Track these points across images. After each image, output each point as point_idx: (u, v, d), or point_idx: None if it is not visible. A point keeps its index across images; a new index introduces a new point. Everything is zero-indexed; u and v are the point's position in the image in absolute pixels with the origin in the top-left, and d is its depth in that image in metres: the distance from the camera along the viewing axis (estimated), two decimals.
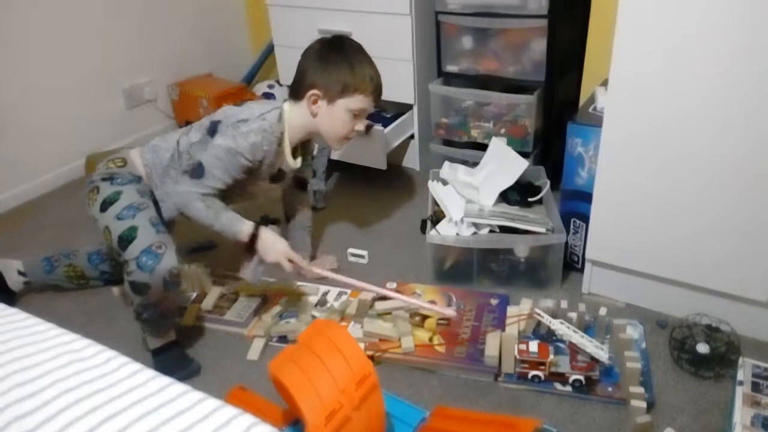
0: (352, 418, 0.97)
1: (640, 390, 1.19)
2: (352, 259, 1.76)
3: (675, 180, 1.29)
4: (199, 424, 0.64)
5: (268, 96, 2.57)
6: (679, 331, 1.35)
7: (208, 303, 1.57)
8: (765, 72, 1.11)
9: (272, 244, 1.41)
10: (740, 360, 1.29)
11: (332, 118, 1.43)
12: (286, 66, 2.34)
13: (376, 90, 1.45)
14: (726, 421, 1.17)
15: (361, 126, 1.48)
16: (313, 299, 1.58)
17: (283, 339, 1.46)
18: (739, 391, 1.22)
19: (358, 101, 1.43)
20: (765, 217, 1.22)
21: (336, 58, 1.41)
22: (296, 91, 1.45)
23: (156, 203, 1.43)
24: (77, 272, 1.64)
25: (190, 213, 1.38)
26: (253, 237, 1.40)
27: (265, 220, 1.67)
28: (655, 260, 1.40)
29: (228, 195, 1.43)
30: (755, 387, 1.23)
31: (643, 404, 1.16)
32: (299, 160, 1.53)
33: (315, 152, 1.78)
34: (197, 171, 1.37)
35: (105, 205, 1.34)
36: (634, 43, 1.22)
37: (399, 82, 2.06)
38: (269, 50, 2.65)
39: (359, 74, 1.41)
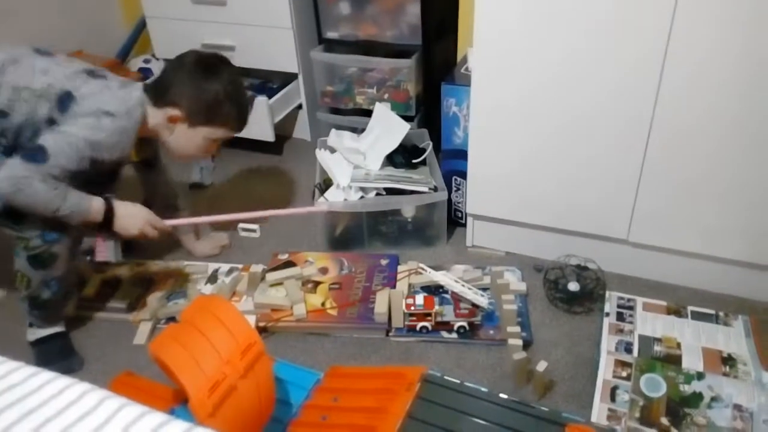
0: (238, 387, 0.97)
1: (517, 329, 1.28)
2: (243, 234, 1.73)
3: (540, 133, 1.37)
4: (86, 419, 0.61)
5: (145, 72, 2.44)
6: (552, 273, 1.45)
7: (89, 290, 1.49)
8: (624, 30, 1.20)
9: (132, 213, 1.29)
10: (607, 294, 1.42)
11: (188, 140, 1.35)
12: (161, 39, 2.23)
13: (242, 124, 1.40)
14: (595, 350, 1.28)
15: (215, 152, 1.44)
16: (203, 278, 1.55)
17: (172, 321, 1.42)
18: (606, 322, 1.34)
19: (221, 132, 1.36)
20: (622, 163, 1.33)
21: (209, 84, 1.30)
22: (157, 98, 1.31)
23: None
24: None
25: (24, 198, 1.15)
26: (107, 213, 1.26)
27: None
28: (528, 210, 1.49)
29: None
30: (619, 317, 1.35)
31: (520, 342, 1.25)
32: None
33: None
34: (38, 155, 1.16)
35: None
36: (494, 2, 1.27)
37: (281, 51, 2.02)
38: (143, 23, 2.51)
39: (229, 108, 1.34)
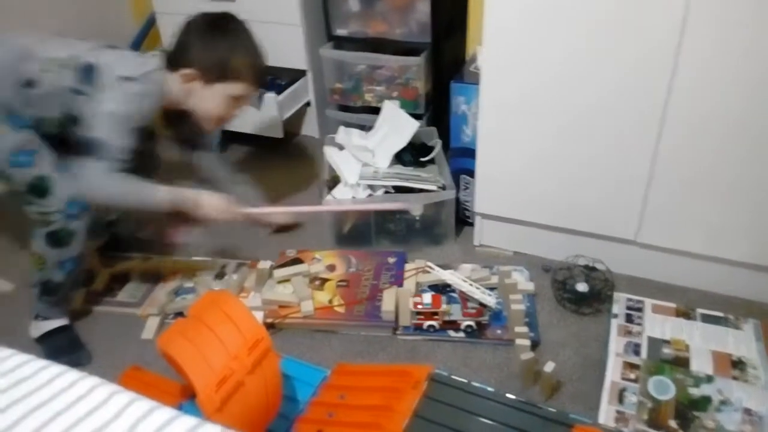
0: (245, 383, 0.98)
1: (524, 330, 1.28)
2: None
3: (549, 132, 1.36)
4: (95, 413, 0.61)
5: None
6: (561, 273, 1.45)
7: (98, 285, 1.50)
8: (634, 28, 1.18)
9: (212, 203, 1.35)
10: (615, 295, 1.41)
11: (207, 100, 1.36)
12: (171, 35, 2.22)
13: (258, 77, 1.39)
14: (603, 351, 1.27)
15: (240, 111, 1.43)
16: (211, 273, 1.55)
17: (179, 316, 1.43)
18: (614, 323, 1.33)
19: (238, 88, 1.36)
20: (630, 162, 1.32)
21: (218, 41, 1.33)
22: (172, 62, 1.35)
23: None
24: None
25: (101, 196, 1.26)
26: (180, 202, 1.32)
27: None
28: (536, 209, 1.49)
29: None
30: (628, 318, 1.35)
31: (527, 342, 1.25)
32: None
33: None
34: (94, 147, 1.24)
35: None
36: (504, 1, 1.26)
37: (290, 48, 2.01)
38: (153, 19, 2.51)
39: (242, 62, 1.34)
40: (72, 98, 1.26)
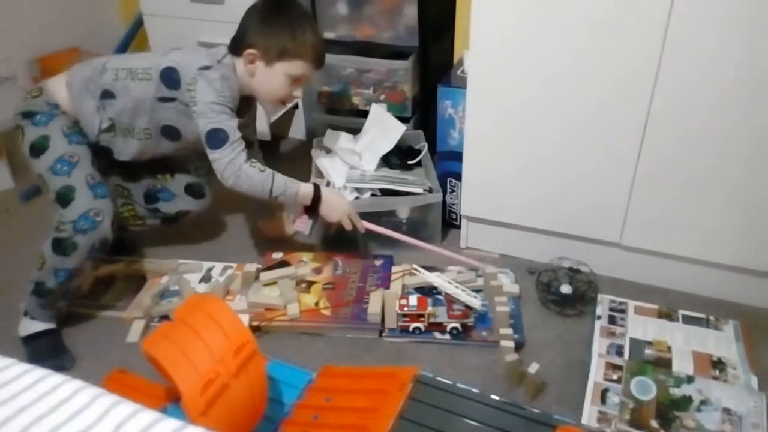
0: (231, 386, 0.98)
1: (509, 331, 1.29)
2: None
3: (535, 137, 1.38)
4: (78, 417, 0.61)
5: None
6: (545, 275, 1.46)
7: (83, 287, 1.49)
8: (619, 37, 1.21)
9: (336, 203, 1.43)
10: (599, 297, 1.43)
11: (269, 80, 1.39)
12: (158, 36, 2.21)
13: (318, 57, 1.42)
14: (587, 352, 1.29)
15: (299, 92, 1.45)
16: (197, 276, 1.55)
17: (165, 319, 1.42)
18: (598, 325, 1.35)
19: (298, 67, 1.39)
20: (615, 166, 1.34)
21: (278, 21, 1.37)
22: (235, 47, 1.40)
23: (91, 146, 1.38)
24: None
25: (244, 183, 1.33)
26: (315, 197, 1.40)
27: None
28: (522, 212, 1.50)
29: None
30: (611, 320, 1.36)
31: (512, 344, 1.26)
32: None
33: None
34: (218, 137, 1.31)
35: (34, 152, 1.32)
36: (491, 6, 1.28)
37: None
38: (140, 20, 2.50)
39: (300, 40, 1.37)
40: (160, 107, 1.37)
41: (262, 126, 1.98)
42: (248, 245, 1.69)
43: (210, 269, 1.58)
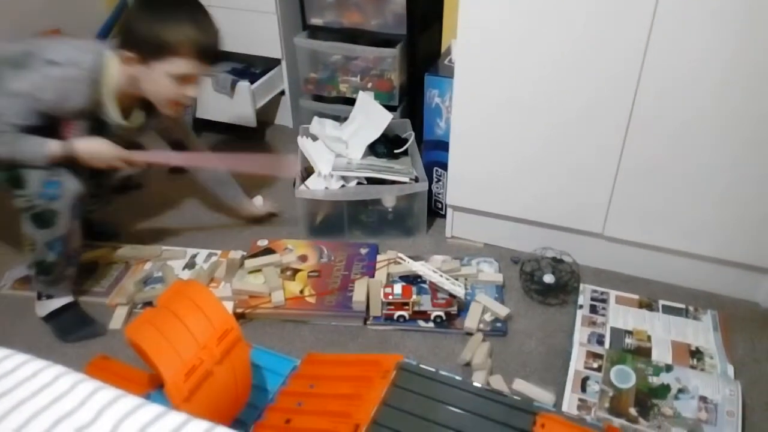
0: (214, 373, 0.98)
1: (491, 320, 1.30)
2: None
3: (521, 127, 1.38)
4: (59, 402, 0.60)
5: None
6: (529, 265, 1.48)
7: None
8: (606, 28, 1.21)
9: (95, 149, 1.27)
10: (581, 286, 1.44)
11: (152, 81, 1.27)
12: None
13: (202, 53, 1.25)
14: (568, 341, 1.31)
15: (193, 91, 1.31)
16: (181, 263, 1.54)
17: (148, 305, 1.42)
18: (579, 314, 1.37)
19: (180, 65, 1.24)
20: (599, 158, 1.35)
21: (151, 17, 1.22)
22: (120, 47, 1.26)
23: None
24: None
25: None
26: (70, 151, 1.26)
27: (125, 185, 1.60)
28: (507, 202, 1.51)
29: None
30: (593, 309, 1.38)
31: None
32: (136, 117, 1.39)
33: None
34: None
35: None
36: None
37: (264, 36, 2.00)
38: (124, 3, 2.46)
39: (175, 35, 1.21)
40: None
41: (248, 112, 1.97)
42: (233, 232, 1.68)
43: (194, 256, 1.57)
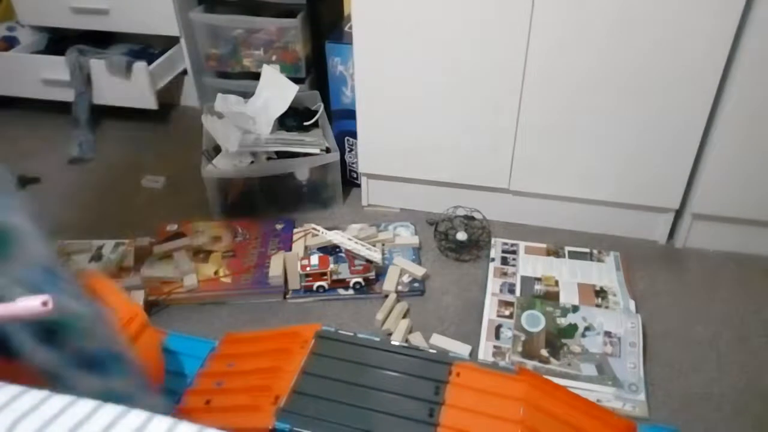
0: None
1: (409, 281, 1.33)
2: (146, 185, 1.71)
3: (422, 91, 1.40)
4: None
5: (10, 41, 2.22)
6: (442, 225, 1.51)
7: None
8: None
9: None
10: (492, 241, 1.49)
11: None
12: (27, 4, 2.02)
13: None
14: (482, 293, 1.35)
15: None
16: (86, 256, 1.47)
17: None
18: (491, 267, 1.42)
19: None
20: (498, 116, 1.38)
21: None
22: None
23: None
24: None
25: None
26: None
27: (22, 180, 1.50)
28: (417, 166, 1.53)
29: None
30: (504, 261, 1.43)
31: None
32: None
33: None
34: None
35: None
36: None
37: (159, 13, 1.90)
38: None
39: None
40: None
41: (147, 94, 1.88)
42: (140, 219, 1.61)
43: (100, 247, 1.50)
